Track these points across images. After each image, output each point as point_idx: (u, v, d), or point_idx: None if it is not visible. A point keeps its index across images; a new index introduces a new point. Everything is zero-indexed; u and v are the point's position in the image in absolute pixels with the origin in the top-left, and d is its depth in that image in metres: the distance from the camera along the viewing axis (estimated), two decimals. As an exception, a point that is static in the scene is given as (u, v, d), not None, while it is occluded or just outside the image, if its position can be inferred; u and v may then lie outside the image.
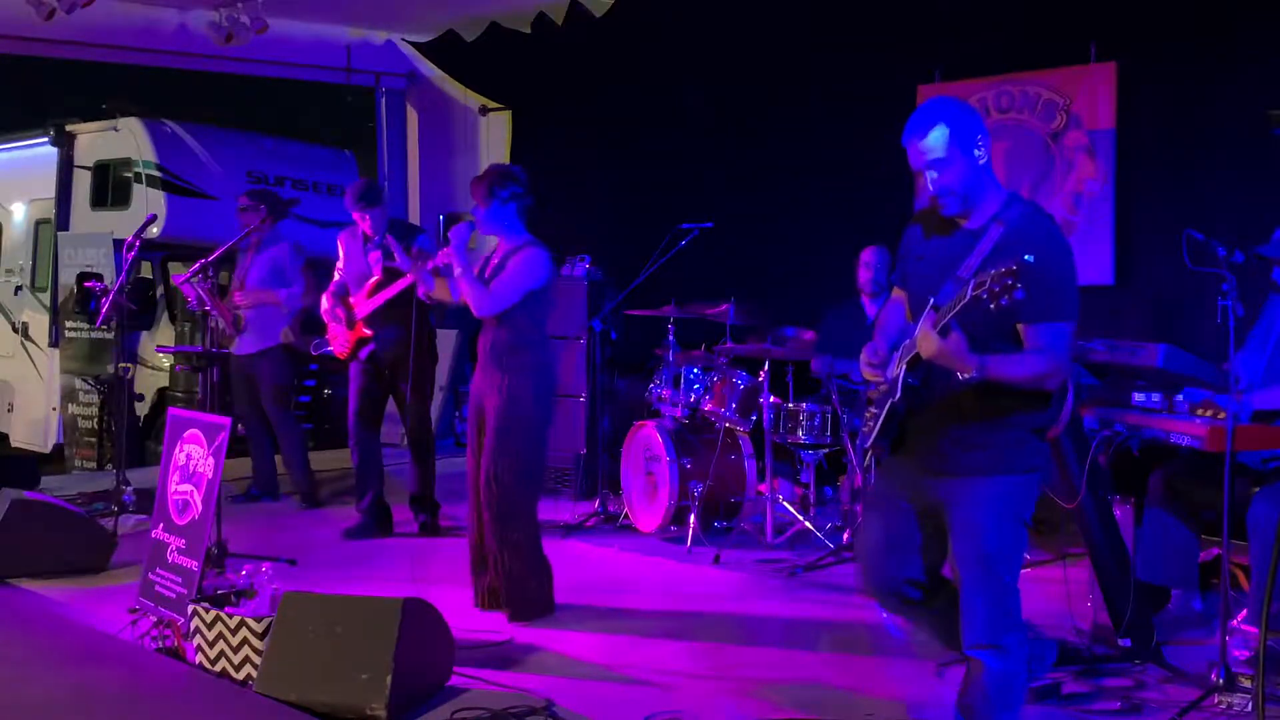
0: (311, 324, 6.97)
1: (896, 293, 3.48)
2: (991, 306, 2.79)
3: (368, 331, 6.50)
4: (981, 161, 3.14)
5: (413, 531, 6.72)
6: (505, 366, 5.00)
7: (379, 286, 6.44)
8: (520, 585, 4.99)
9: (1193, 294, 6.13)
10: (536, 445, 5.05)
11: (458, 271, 4.99)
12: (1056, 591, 4.89)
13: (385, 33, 10.82)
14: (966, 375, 2.98)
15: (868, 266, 6.66)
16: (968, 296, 2.85)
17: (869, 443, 3.35)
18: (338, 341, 6.62)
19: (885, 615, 3.52)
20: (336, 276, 6.73)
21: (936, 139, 3.11)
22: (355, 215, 6.54)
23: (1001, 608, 3.14)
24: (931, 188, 3.16)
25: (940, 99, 3.23)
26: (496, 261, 5.08)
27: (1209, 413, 4.09)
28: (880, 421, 3.24)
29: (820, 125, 8.20)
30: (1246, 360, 4.41)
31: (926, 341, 2.97)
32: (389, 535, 6.68)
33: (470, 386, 5.22)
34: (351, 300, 6.57)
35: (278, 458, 7.70)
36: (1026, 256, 2.79)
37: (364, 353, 6.56)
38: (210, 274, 6.23)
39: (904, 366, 3.16)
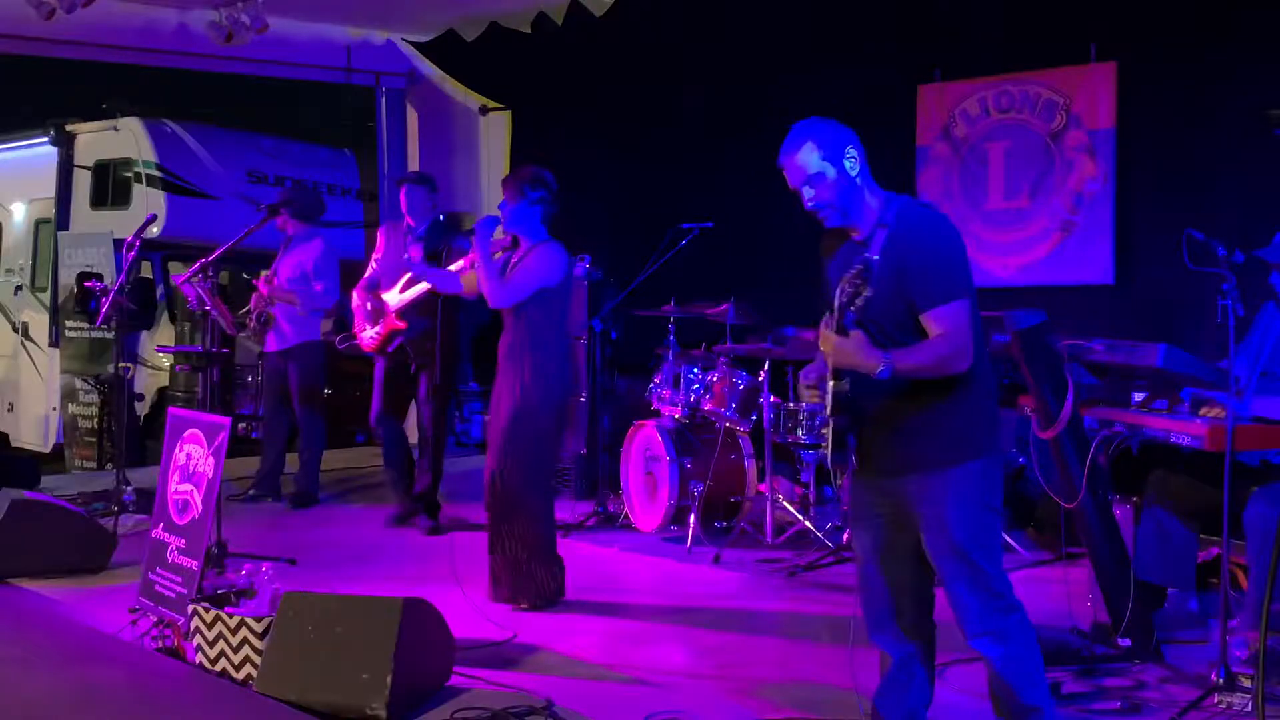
0: (341, 323, 6.96)
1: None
2: (856, 304, 2.99)
3: (401, 324, 6.47)
4: (854, 172, 3.22)
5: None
6: (519, 366, 5.07)
7: (413, 282, 6.44)
8: (525, 574, 5.08)
9: (1193, 294, 6.11)
10: (545, 445, 5.13)
11: (478, 262, 5.04)
12: (1056, 591, 4.89)
13: (385, 33, 10.80)
14: (876, 372, 3.04)
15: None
16: (843, 299, 3.02)
17: (830, 461, 3.36)
18: (366, 336, 6.60)
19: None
20: (372, 267, 6.72)
21: (806, 155, 3.22)
22: (404, 207, 6.56)
23: (989, 593, 3.18)
24: (809, 204, 3.26)
25: (807, 120, 3.30)
26: (516, 260, 5.15)
27: (1209, 412, 4.09)
28: (831, 438, 3.27)
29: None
30: (1243, 362, 4.41)
31: (826, 343, 3.10)
32: (436, 529, 6.63)
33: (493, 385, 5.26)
34: (383, 293, 6.55)
35: (289, 457, 7.67)
36: (872, 256, 3.03)
37: (393, 346, 6.54)
38: (210, 274, 6.23)
39: (831, 379, 3.19)
